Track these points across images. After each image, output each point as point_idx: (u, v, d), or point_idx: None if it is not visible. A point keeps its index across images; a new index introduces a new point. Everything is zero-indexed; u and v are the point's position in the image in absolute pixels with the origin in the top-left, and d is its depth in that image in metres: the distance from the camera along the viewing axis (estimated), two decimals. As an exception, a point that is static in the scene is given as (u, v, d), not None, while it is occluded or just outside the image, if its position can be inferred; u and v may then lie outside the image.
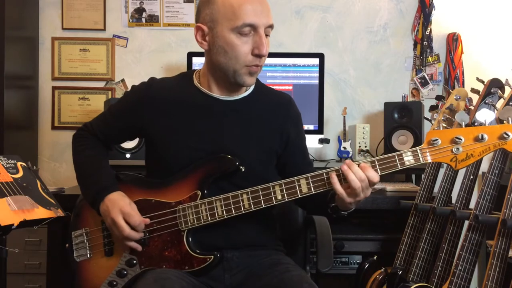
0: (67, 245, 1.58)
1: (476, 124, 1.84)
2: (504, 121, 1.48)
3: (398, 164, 1.37)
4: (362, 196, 1.36)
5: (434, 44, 2.91)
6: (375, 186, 1.43)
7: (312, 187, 1.40)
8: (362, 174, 1.34)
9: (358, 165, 1.36)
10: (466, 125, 1.38)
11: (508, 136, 1.31)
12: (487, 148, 1.32)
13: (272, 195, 1.42)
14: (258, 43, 1.42)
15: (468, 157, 1.33)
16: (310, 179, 1.40)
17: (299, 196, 1.41)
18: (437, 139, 1.34)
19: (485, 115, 1.37)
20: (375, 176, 1.35)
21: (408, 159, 1.36)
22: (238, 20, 1.40)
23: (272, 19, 1.46)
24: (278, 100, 1.62)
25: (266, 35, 1.46)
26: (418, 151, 1.36)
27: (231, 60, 1.44)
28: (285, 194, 1.41)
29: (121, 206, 1.46)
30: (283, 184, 1.42)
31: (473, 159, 1.33)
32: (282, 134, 1.59)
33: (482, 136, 1.32)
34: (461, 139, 1.32)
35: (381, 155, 1.48)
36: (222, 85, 1.53)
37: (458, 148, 1.33)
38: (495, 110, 1.85)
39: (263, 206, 1.42)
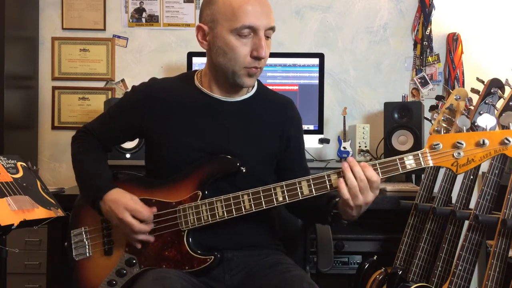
0: (65, 243, 1.58)
1: (476, 124, 1.84)
2: (503, 121, 1.47)
3: (400, 168, 1.36)
4: (361, 198, 1.33)
5: (434, 44, 2.91)
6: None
7: (313, 189, 1.40)
8: (362, 174, 1.33)
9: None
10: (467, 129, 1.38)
11: (509, 141, 1.31)
12: (488, 153, 1.33)
13: (273, 196, 1.41)
14: (257, 46, 1.41)
15: (469, 161, 1.33)
16: (311, 181, 1.40)
17: (300, 198, 1.40)
18: (439, 143, 1.34)
19: (486, 120, 1.37)
20: (373, 175, 1.33)
21: (410, 163, 1.36)
22: (238, 22, 1.39)
23: (273, 21, 1.44)
24: (280, 102, 1.62)
25: (267, 37, 1.44)
26: (420, 155, 1.36)
27: (230, 61, 1.43)
28: (286, 196, 1.41)
29: (124, 204, 1.45)
30: (284, 186, 1.41)
31: (474, 163, 1.33)
32: (282, 136, 1.58)
33: (483, 141, 1.32)
34: (462, 144, 1.32)
35: (381, 157, 1.48)
36: (223, 86, 1.53)
37: (459, 153, 1.33)
38: (495, 110, 1.85)
39: (264, 207, 1.42)
